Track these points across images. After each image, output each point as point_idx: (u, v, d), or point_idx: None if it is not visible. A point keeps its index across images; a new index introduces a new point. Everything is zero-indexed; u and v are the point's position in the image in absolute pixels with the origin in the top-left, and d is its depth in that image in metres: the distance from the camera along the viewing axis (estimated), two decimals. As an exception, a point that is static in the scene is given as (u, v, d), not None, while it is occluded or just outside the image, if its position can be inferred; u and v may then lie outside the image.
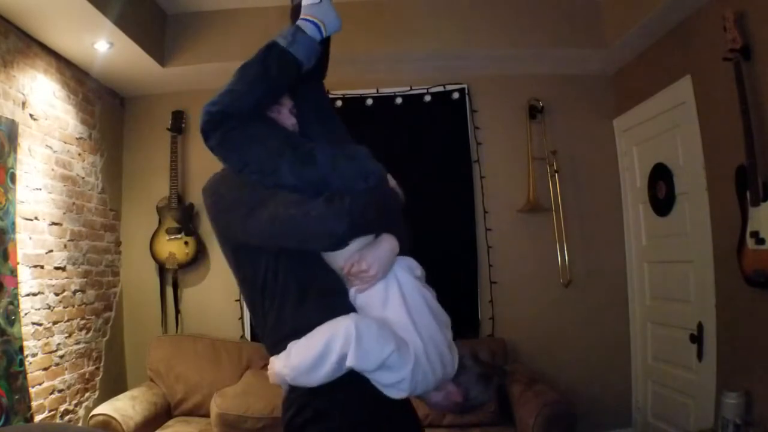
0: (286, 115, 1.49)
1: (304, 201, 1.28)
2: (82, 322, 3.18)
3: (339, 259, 1.36)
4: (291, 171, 1.32)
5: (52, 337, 2.86)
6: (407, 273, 1.39)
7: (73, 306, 3.09)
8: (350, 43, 3.18)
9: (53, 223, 2.94)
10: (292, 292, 1.36)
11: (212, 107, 1.41)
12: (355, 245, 1.32)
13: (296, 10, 1.51)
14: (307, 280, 1.37)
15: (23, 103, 2.72)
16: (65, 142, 3.10)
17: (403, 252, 1.41)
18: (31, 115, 2.78)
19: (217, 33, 3.40)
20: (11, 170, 2.56)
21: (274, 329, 1.38)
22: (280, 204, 1.30)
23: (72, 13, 2.59)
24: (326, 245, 1.31)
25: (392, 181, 1.45)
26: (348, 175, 1.30)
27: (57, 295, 2.94)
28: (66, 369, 2.97)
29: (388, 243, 1.34)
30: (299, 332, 1.32)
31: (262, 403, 2.85)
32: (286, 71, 1.38)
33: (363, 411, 1.29)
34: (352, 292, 1.37)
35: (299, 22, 1.38)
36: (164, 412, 3.16)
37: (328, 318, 1.30)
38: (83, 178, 3.28)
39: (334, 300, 1.36)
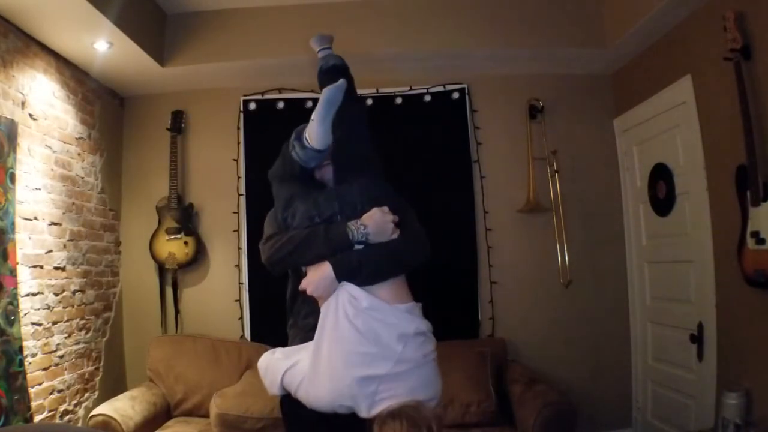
0: (322, 172, 1.81)
1: (265, 234, 1.73)
2: (82, 322, 3.18)
3: None
4: (275, 212, 1.74)
5: (51, 337, 2.86)
6: (347, 302, 1.51)
7: (73, 306, 3.09)
8: (350, 43, 3.18)
9: (53, 223, 2.94)
10: (290, 294, 1.77)
11: (269, 171, 1.82)
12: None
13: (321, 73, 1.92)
14: (293, 296, 1.77)
15: (23, 103, 2.72)
16: (65, 142, 3.10)
17: (364, 279, 1.55)
18: (30, 115, 2.78)
19: (216, 33, 3.40)
20: (11, 170, 2.56)
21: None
22: (263, 234, 1.77)
23: (72, 12, 2.58)
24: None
25: (368, 215, 1.60)
26: (298, 215, 1.65)
27: (56, 295, 2.94)
28: (65, 369, 2.97)
29: (320, 270, 1.56)
30: (288, 330, 1.79)
31: (261, 403, 2.84)
32: (291, 165, 1.73)
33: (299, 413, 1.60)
34: None
35: (303, 134, 1.69)
36: (164, 413, 3.16)
37: (311, 315, 1.65)
38: (83, 178, 3.27)
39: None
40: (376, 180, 1.74)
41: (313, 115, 1.65)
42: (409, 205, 1.79)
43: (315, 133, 1.63)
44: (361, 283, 1.54)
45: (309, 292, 1.57)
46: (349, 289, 1.53)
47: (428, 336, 1.55)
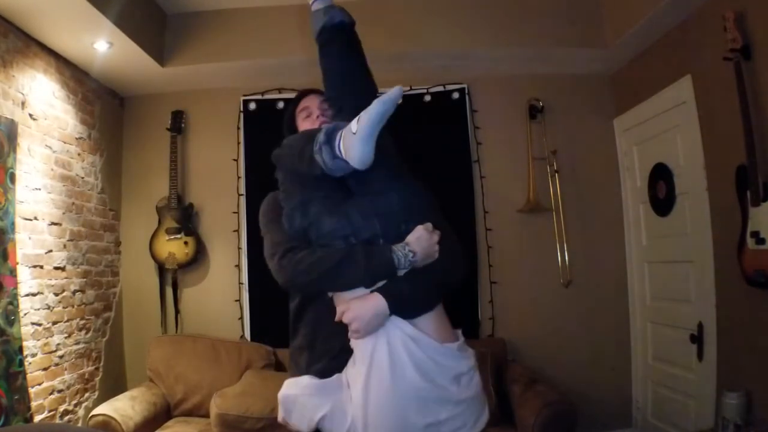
0: (311, 122, 1.62)
1: (278, 246, 1.42)
2: (82, 322, 3.18)
3: (338, 301, 1.38)
4: (288, 217, 1.43)
5: (51, 337, 2.86)
6: (401, 342, 1.30)
7: (73, 306, 3.09)
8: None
9: (53, 223, 2.94)
10: (297, 307, 1.54)
11: (275, 150, 1.55)
12: (350, 293, 1.36)
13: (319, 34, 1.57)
14: (301, 309, 1.53)
15: (23, 103, 2.72)
16: (65, 142, 3.10)
17: (414, 311, 1.33)
18: (30, 115, 2.78)
19: (216, 33, 3.40)
20: (11, 170, 2.56)
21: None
22: (268, 242, 1.47)
23: (72, 12, 2.59)
24: (282, 287, 1.45)
25: (414, 235, 1.35)
26: (324, 232, 1.37)
27: (56, 295, 2.93)
28: (65, 369, 2.97)
29: (372, 303, 1.31)
30: (293, 352, 1.54)
31: (261, 403, 2.84)
32: (310, 165, 1.40)
33: None
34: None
35: (336, 140, 1.35)
36: (164, 413, 3.16)
37: (334, 337, 1.42)
38: (83, 178, 3.27)
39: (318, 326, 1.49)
40: (410, 185, 1.47)
41: (354, 127, 1.30)
42: (437, 204, 1.56)
43: (357, 152, 1.29)
44: (409, 315, 1.33)
45: (354, 328, 1.31)
46: (401, 326, 1.31)
47: (476, 365, 1.40)
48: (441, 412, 1.29)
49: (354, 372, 1.35)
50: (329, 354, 1.42)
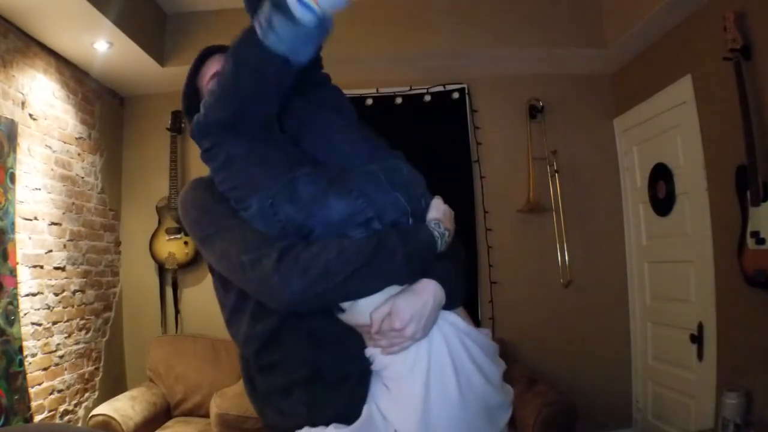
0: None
1: (263, 246, 0.99)
2: (82, 322, 3.18)
3: (358, 315, 1.01)
4: (260, 212, 1.02)
5: (51, 337, 2.86)
6: (459, 340, 1.00)
7: (73, 306, 3.09)
8: (350, 43, 3.18)
9: (53, 223, 2.94)
10: (261, 341, 1.08)
11: (198, 117, 1.14)
12: (378, 296, 0.99)
13: None
14: (277, 331, 1.06)
15: (23, 103, 2.72)
16: (65, 142, 3.10)
17: (459, 298, 1.06)
18: (30, 115, 2.78)
19: (216, 33, 3.39)
20: (11, 170, 2.56)
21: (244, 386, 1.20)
22: (235, 243, 1.03)
23: (72, 12, 2.59)
24: (276, 308, 1.01)
25: (438, 209, 1.09)
26: (334, 221, 0.99)
27: (56, 295, 2.94)
28: (65, 369, 2.97)
29: (429, 294, 0.98)
30: (264, 397, 1.15)
31: (261, 403, 2.84)
32: (263, 72, 1.01)
33: None
34: (369, 350, 1.02)
35: None
36: (164, 413, 3.16)
37: (348, 361, 1.03)
38: (83, 178, 3.28)
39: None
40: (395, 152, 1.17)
41: None
42: None
43: None
44: (454, 305, 1.05)
45: (410, 332, 0.95)
46: (451, 320, 1.02)
47: None
48: (504, 415, 1.06)
49: (394, 397, 0.99)
50: (348, 382, 1.02)
